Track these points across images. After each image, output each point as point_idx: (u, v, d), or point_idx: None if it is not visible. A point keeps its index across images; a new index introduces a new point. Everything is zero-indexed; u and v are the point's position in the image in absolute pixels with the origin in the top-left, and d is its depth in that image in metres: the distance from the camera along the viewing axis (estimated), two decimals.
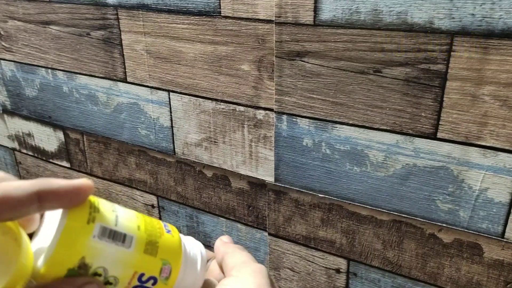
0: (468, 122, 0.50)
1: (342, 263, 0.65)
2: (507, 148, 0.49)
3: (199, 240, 0.37)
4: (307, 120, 0.59)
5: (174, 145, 0.73)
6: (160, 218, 0.83)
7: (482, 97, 0.48)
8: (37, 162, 0.96)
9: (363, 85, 0.54)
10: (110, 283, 0.26)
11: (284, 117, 0.61)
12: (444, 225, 0.55)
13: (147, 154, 0.78)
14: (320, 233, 0.65)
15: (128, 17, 0.69)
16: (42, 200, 0.24)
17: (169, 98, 0.70)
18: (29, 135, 0.94)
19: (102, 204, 0.28)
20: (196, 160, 0.72)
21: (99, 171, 0.86)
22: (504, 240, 0.52)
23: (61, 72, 0.81)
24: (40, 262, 0.25)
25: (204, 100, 0.67)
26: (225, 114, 0.66)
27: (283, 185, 0.65)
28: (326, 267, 0.67)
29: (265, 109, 0.62)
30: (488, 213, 0.52)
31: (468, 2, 0.45)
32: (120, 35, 0.71)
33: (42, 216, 0.28)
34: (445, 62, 0.48)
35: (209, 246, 0.76)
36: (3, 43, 0.87)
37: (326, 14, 0.53)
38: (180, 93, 0.69)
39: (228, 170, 0.70)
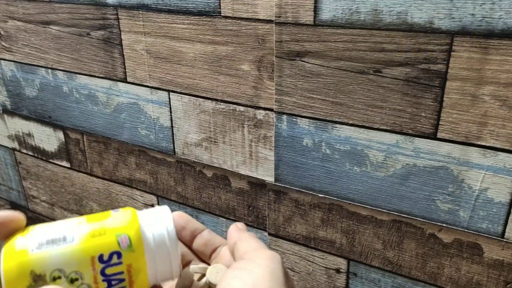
0: (468, 122, 0.50)
1: (342, 263, 0.65)
2: (507, 148, 0.49)
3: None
4: (307, 120, 0.59)
5: (174, 145, 0.73)
6: None
7: (482, 97, 0.48)
8: (37, 162, 0.96)
9: (363, 85, 0.54)
10: (76, 279, 0.27)
11: (284, 117, 0.61)
12: (444, 225, 0.55)
13: (147, 154, 0.78)
14: (320, 233, 0.65)
15: (128, 17, 0.69)
16: None
17: (169, 98, 0.70)
18: (29, 135, 0.94)
19: (39, 225, 0.29)
20: (196, 160, 0.72)
21: (99, 171, 0.86)
22: (504, 240, 0.52)
23: (61, 72, 0.81)
24: None
25: (204, 100, 0.67)
26: (225, 114, 0.66)
27: (283, 185, 0.65)
28: (326, 267, 0.67)
29: (265, 109, 0.62)
30: (488, 213, 0.52)
31: (468, 2, 0.45)
32: (120, 35, 0.71)
33: None
34: (445, 62, 0.48)
35: None
36: (3, 43, 0.87)
37: (326, 14, 0.53)
38: (180, 93, 0.69)
39: (228, 170, 0.70)
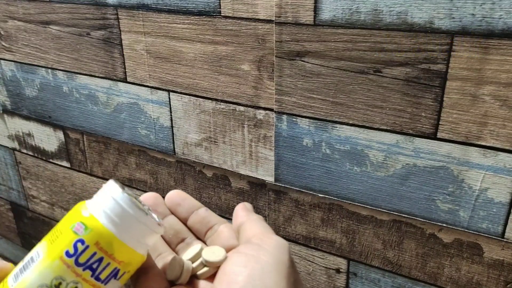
0: (468, 122, 0.50)
1: (342, 263, 0.65)
2: (507, 148, 0.49)
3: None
4: (307, 120, 0.59)
5: (174, 145, 0.73)
6: None
7: (482, 97, 0.48)
8: (37, 162, 0.96)
9: (363, 85, 0.54)
10: (59, 283, 0.28)
11: (284, 117, 0.61)
12: (444, 225, 0.55)
13: (147, 154, 0.78)
14: (320, 233, 0.65)
15: (128, 17, 0.69)
16: None
17: (169, 98, 0.70)
18: (29, 135, 0.94)
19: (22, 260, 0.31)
20: (196, 160, 0.72)
21: (99, 171, 0.86)
22: (504, 240, 0.52)
23: (61, 72, 0.81)
24: None
25: (204, 100, 0.67)
26: (225, 114, 0.66)
27: (283, 185, 0.65)
28: (326, 267, 0.67)
29: (265, 109, 0.62)
30: (488, 213, 0.52)
31: (468, 2, 0.45)
32: (120, 35, 0.71)
33: None
34: (445, 62, 0.48)
35: None
36: (3, 43, 0.87)
37: (326, 14, 0.53)
38: (180, 93, 0.69)
39: (228, 170, 0.70)
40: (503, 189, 0.50)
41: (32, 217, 1.06)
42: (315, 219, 0.65)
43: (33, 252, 0.30)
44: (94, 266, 0.28)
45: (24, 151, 0.97)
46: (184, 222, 0.38)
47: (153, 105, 0.73)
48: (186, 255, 0.34)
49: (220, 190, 0.72)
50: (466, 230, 0.54)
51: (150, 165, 0.78)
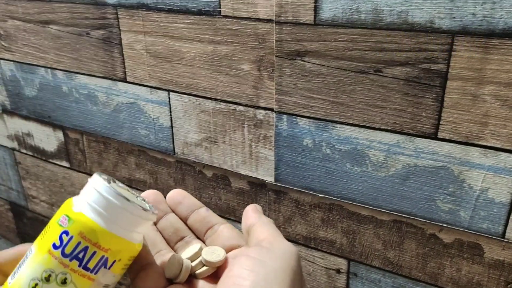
0: (469, 122, 0.49)
1: (342, 263, 0.65)
2: (507, 148, 0.49)
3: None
4: (307, 120, 0.59)
5: (174, 145, 0.73)
6: None
7: (483, 97, 0.48)
8: (37, 162, 0.96)
9: (364, 85, 0.54)
10: (49, 276, 0.29)
11: (284, 117, 0.61)
12: (444, 225, 0.55)
13: (147, 154, 0.78)
14: (320, 233, 0.65)
15: (128, 17, 0.69)
16: None
17: (169, 97, 0.70)
18: (29, 135, 0.93)
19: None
20: (196, 160, 0.72)
21: (98, 171, 0.86)
22: (505, 240, 0.52)
23: (61, 71, 0.81)
24: None
25: (204, 99, 0.67)
26: (225, 114, 0.66)
27: (283, 185, 0.65)
28: (326, 267, 0.67)
29: (265, 108, 0.62)
30: (488, 213, 0.52)
31: (468, 1, 0.45)
32: (120, 35, 0.71)
33: None
34: (446, 61, 0.48)
35: None
36: (3, 43, 0.87)
37: (326, 14, 0.52)
38: (180, 92, 0.69)
39: (228, 170, 0.70)
40: (503, 189, 0.50)
41: (32, 217, 1.06)
42: (315, 219, 0.65)
43: (28, 250, 0.31)
44: (80, 255, 0.29)
45: (24, 151, 0.97)
46: (184, 220, 0.38)
47: (152, 105, 0.72)
48: (185, 254, 0.34)
49: (220, 190, 0.72)
50: (466, 230, 0.54)
51: (150, 165, 0.78)
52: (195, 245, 0.35)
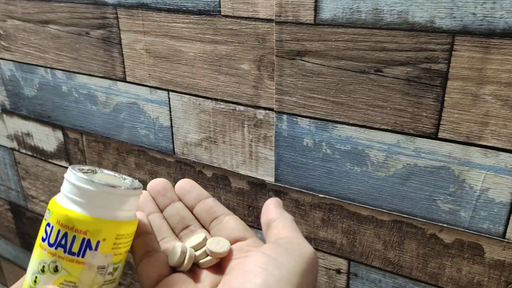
0: (469, 122, 0.49)
1: (342, 264, 0.65)
2: (508, 148, 0.48)
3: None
4: (308, 119, 0.59)
5: (173, 145, 0.73)
6: None
7: (483, 96, 0.48)
8: (36, 162, 0.96)
9: (364, 85, 0.53)
10: (43, 267, 0.31)
11: (285, 116, 0.60)
12: (445, 225, 0.55)
13: (147, 154, 0.77)
14: (320, 234, 0.65)
15: (128, 16, 0.68)
16: None
17: (169, 97, 0.70)
18: (28, 134, 0.93)
19: None
20: (196, 160, 0.72)
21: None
22: (505, 240, 0.52)
23: (60, 71, 0.81)
24: None
25: (204, 99, 0.67)
26: (225, 113, 0.66)
27: (283, 185, 0.65)
28: (326, 268, 0.67)
29: (265, 108, 0.62)
30: (489, 213, 0.52)
31: (469, 1, 0.45)
32: (120, 34, 0.71)
33: None
34: (446, 61, 0.48)
35: None
36: (2, 43, 0.87)
37: (326, 13, 0.52)
38: (180, 92, 0.69)
39: (228, 170, 0.69)
40: (504, 189, 0.50)
41: (31, 217, 1.06)
42: (315, 219, 0.64)
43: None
44: (63, 242, 0.31)
45: (23, 151, 0.97)
46: (191, 209, 0.38)
47: (152, 104, 0.72)
48: (190, 243, 0.34)
49: (220, 190, 0.72)
50: (467, 231, 0.54)
51: (150, 165, 0.78)
52: (200, 235, 0.35)
